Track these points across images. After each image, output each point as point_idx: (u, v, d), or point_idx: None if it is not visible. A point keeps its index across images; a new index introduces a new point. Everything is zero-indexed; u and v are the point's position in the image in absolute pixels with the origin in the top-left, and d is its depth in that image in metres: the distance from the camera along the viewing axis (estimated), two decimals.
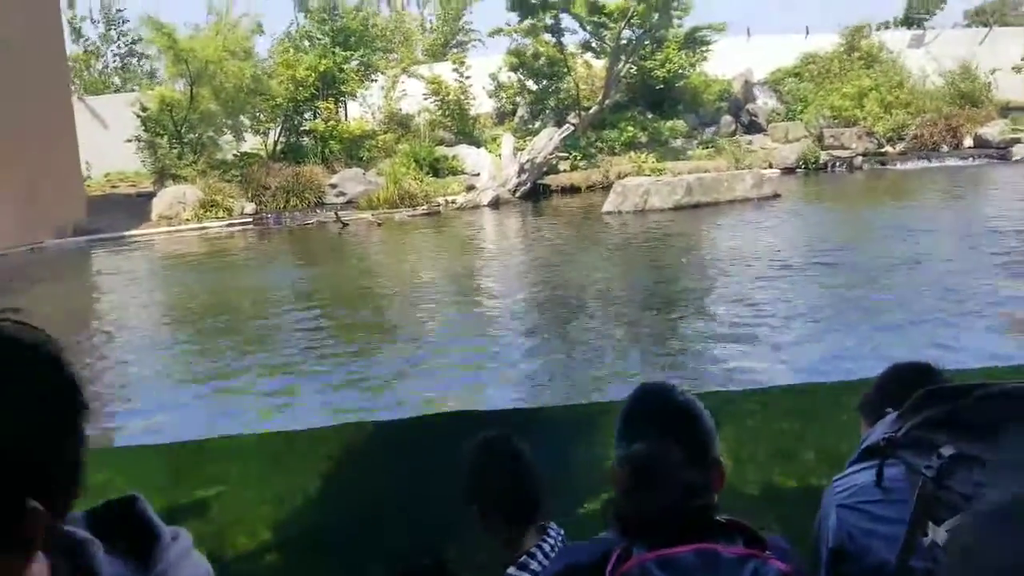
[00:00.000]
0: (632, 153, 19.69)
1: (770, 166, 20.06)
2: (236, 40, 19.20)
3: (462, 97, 20.02)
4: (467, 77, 20.29)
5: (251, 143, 20.30)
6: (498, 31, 21.22)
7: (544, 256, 11.22)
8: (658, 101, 22.18)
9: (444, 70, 21.06)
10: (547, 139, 18.39)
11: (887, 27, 25.93)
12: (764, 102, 24.00)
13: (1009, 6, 27.34)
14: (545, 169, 18.54)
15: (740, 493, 3.24)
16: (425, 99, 20.21)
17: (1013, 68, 20.33)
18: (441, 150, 19.09)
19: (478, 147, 19.36)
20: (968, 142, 19.58)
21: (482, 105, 21.57)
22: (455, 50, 27.24)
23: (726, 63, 22.94)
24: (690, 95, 22.70)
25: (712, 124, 23.07)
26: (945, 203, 13.71)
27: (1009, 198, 13.53)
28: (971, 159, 18.57)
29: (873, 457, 1.29)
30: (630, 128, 20.58)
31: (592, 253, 11.22)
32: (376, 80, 20.53)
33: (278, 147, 20.28)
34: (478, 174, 17.95)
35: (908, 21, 25.98)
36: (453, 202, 16.90)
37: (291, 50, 21.12)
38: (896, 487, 1.23)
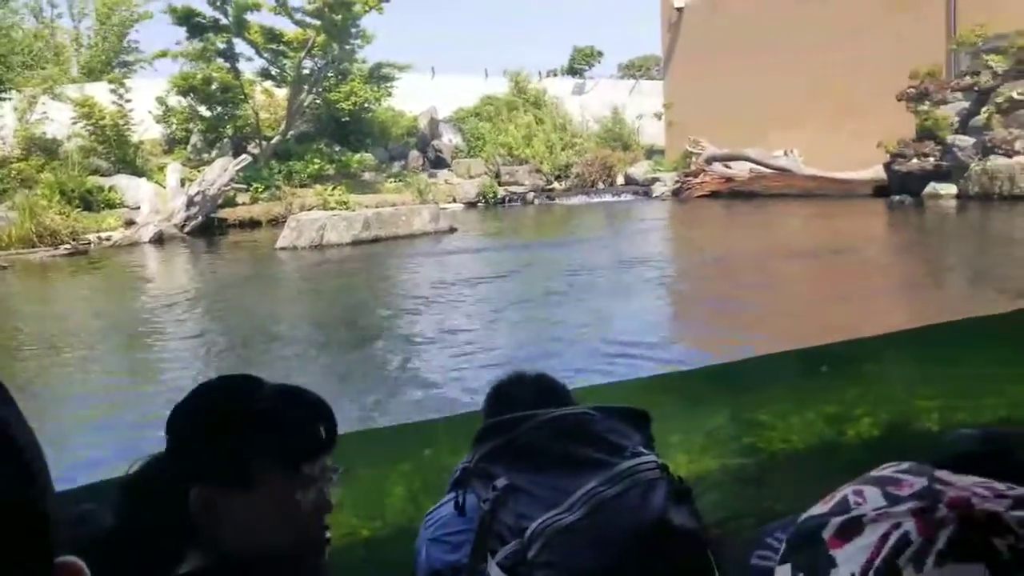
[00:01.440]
0: (318, 186, 19.24)
1: (454, 200, 20.85)
2: None
3: (120, 121, 18.06)
4: (127, 100, 18.38)
5: None
6: (163, 54, 19.60)
7: (209, 295, 10.31)
8: (346, 133, 22.05)
9: (101, 91, 18.91)
10: (221, 169, 17.24)
11: (555, 75, 28.43)
12: (449, 139, 24.94)
13: (652, 63, 31.45)
14: (220, 202, 17.36)
15: None
16: (74, 123, 17.91)
17: (655, 115, 23.25)
18: (95, 180, 17.01)
19: (140, 177, 17.59)
20: (620, 180, 22.01)
21: (148, 131, 19.71)
22: (120, 70, 24.75)
23: (413, 99, 23.49)
24: (378, 129, 22.89)
25: (401, 158, 23.46)
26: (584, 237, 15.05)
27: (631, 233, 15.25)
28: (622, 195, 20.83)
29: (457, 487, 1.33)
30: (316, 160, 20.14)
31: (266, 291, 10.55)
32: (9, 99, 17.78)
33: None
34: (139, 207, 16.26)
35: (572, 70, 28.71)
36: (108, 239, 15.09)
37: None
38: (472, 515, 1.27)
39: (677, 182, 20.01)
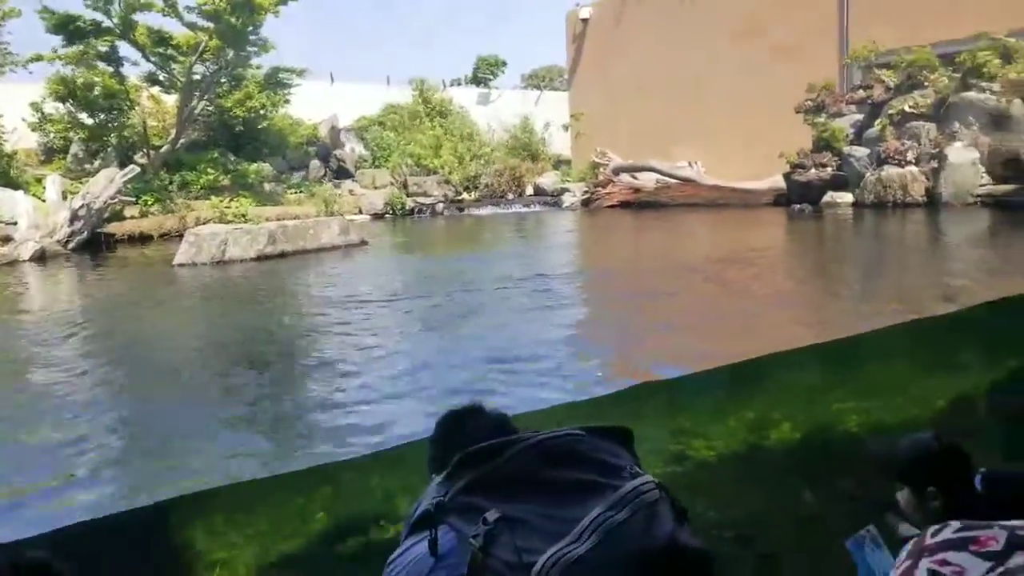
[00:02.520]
0: (213, 198, 18.21)
1: (360, 211, 20.19)
2: None
3: None
4: None
5: None
6: (38, 57, 18.10)
7: (98, 320, 9.40)
8: (241, 143, 21.04)
9: None
10: (107, 181, 16.04)
11: (459, 84, 28.13)
12: (352, 148, 24.23)
13: (556, 73, 31.68)
14: (107, 215, 16.15)
15: None
16: None
17: (563, 125, 23.32)
18: None
19: (16, 189, 16.15)
20: (530, 190, 21.92)
21: (22, 139, 18.17)
22: None
23: (312, 107, 22.69)
24: (276, 138, 21.98)
25: (301, 168, 22.61)
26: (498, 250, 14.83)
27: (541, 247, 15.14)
28: (533, 205, 20.73)
29: (425, 526, 1.22)
30: (210, 170, 19.08)
31: (164, 312, 9.72)
32: None
33: None
34: (15, 222, 14.90)
35: (477, 80, 28.49)
36: None
37: None
38: (451, 555, 1.16)
39: (586, 192, 20.08)
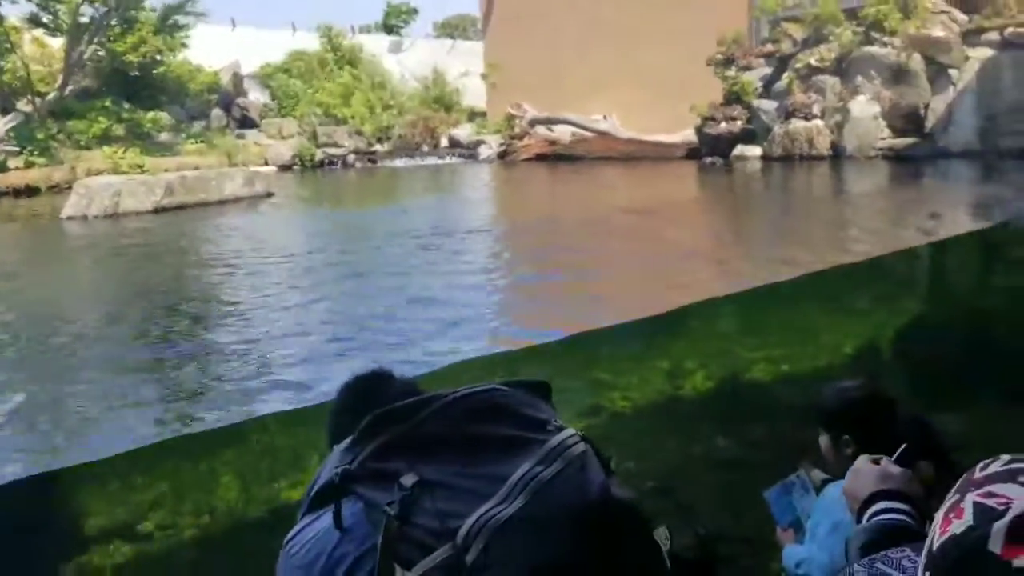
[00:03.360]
0: (106, 148, 17.12)
1: (266, 163, 19.38)
2: None
3: None
4: None
5: None
6: None
7: None
8: (135, 90, 19.77)
9: None
10: None
11: (368, 31, 27.17)
12: (256, 97, 23.16)
13: (469, 22, 31.00)
14: None
15: None
16: None
17: (481, 75, 22.80)
18: None
19: None
20: (444, 142, 21.50)
21: None
22: None
23: (212, 53, 21.50)
24: (173, 85, 20.77)
25: (201, 118, 21.50)
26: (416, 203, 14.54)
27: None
28: (448, 157, 20.38)
29: (327, 499, 1.10)
30: (102, 119, 17.91)
31: (58, 269, 9.06)
32: None
33: None
34: None
35: (387, 27, 27.58)
36: None
37: None
38: (359, 527, 1.06)
39: (502, 145, 19.85)
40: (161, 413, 4.56)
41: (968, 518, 0.50)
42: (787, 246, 8.68)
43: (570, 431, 1.16)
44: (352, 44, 23.73)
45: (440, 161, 20.18)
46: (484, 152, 20.13)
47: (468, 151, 20.58)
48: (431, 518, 1.04)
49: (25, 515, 3.63)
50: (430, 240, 9.43)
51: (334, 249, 9.34)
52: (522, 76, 20.66)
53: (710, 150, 16.75)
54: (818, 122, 15.48)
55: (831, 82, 15.59)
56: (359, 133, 20.95)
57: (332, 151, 20.15)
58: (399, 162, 20.01)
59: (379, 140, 21.29)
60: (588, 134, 18.93)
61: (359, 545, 1.08)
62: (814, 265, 7.47)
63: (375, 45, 24.91)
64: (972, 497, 0.50)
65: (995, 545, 0.47)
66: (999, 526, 0.47)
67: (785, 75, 16.14)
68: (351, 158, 20.08)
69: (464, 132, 21.47)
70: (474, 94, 23.66)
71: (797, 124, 15.58)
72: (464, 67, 24.13)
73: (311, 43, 23.52)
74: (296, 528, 1.18)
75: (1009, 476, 0.49)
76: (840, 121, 15.30)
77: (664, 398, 5.14)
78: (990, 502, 0.48)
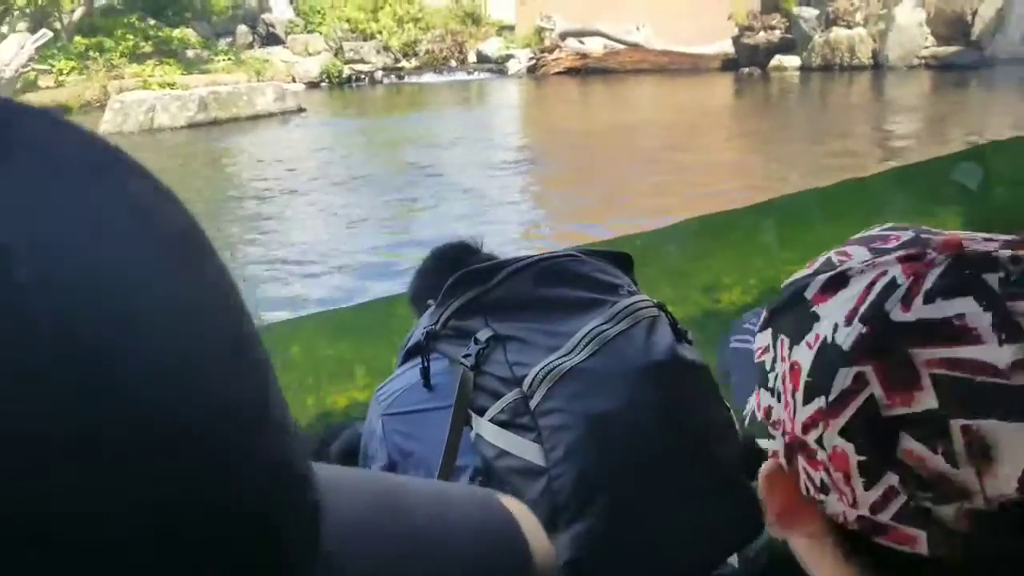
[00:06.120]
0: (135, 65, 17.05)
1: (294, 80, 19.18)
2: None
3: None
4: None
5: None
6: None
7: None
8: (161, 6, 19.52)
9: None
10: (17, 47, 14.83)
11: None
12: (281, 12, 22.75)
13: None
14: (18, 86, 15.01)
15: None
16: None
17: None
18: None
19: None
20: (473, 57, 21.07)
21: None
22: None
23: None
24: (198, 1, 20.47)
25: (227, 35, 21.21)
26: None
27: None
28: (476, 73, 20.01)
29: (416, 356, 1.19)
30: (130, 36, 17.77)
31: None
32: None
33: None
34: None
35: None
36: None
37: None
38: (442, 383, 1.16)
39: (532, 59, 19.43)
40: None
41: (811, 269, 0.51)
42: (828, 156, 8.55)
43: (644, 296, 1.20)
44: None
45: (468, 77, 19.84)
46: (513, 67, 19.73)
47: (497, 66, 20.18)
48: (503, 368, 1.10)
49: None
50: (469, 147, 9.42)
51: (362, 157, 9.37)
52: None
53: (747, 60, 16.29)
54: (861, 30, 14.96)
55: None
56: (387, 48, 20.60)
57: (359, 67, 19.87)
58: (427, 78, 19.70)
59: (406, 56, 20.93)
60: (620, 47, 18.45)
61: (443, 396, 1.15)
62: (857, 173, 7.37)
63: None
64: (829, 253, 0.51)
65: (810, 292, 0.49)
66: (820, 278, 0.48)
67: None
68: (379, 74, 19.81)
69: (493, 47, 21.00)
70: (503, 6, 23.05)
71: (839, 32, 15.07)
72: None
73: None
74: (388, 379, 1.26)
75: (865, 241, 0.50)
76: (884, 29, 14.77)
77: (704, 312, 5.19)
78: (837, 258, 0.50)
